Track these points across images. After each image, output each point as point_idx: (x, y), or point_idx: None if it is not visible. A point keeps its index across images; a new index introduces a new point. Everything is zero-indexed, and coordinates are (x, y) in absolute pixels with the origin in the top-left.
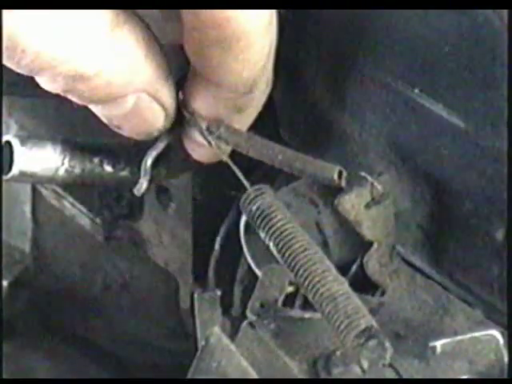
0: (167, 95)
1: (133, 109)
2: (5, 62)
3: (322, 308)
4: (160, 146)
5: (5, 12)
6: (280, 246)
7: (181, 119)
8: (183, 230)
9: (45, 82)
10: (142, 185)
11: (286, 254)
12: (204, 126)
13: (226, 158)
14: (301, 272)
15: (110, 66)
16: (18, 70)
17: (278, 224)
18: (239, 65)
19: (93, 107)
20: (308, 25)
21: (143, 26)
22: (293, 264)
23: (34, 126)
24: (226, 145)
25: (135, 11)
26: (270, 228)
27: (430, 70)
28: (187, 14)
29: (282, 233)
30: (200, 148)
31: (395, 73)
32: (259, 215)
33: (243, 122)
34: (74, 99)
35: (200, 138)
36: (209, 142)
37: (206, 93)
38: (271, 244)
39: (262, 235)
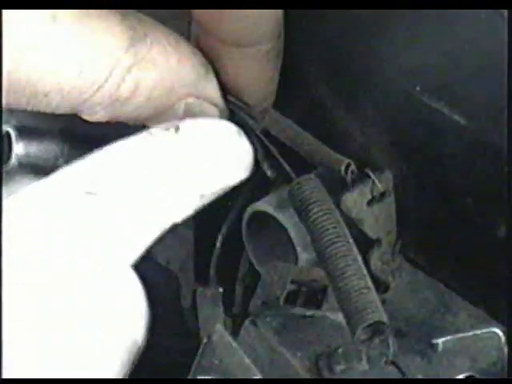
0: (214, 91)
1: (186, 114)
2: (31, 108)
3: (339, 302)
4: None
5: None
6: (313, 239)
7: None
8: (184, 227)
9: (87, 116)
10: None
11: (317, 248)
12: (251, 118)
13: (273, 150)
14: (326, 265)
15: (143, 82)
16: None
17: (313, 217)
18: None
19: (148, 123)
20: (310, 24)
21: (167, 31)
22: (320, 257)
23: (33, 118)
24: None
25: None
26: (306, 221)
27: (431, 67)
28: None
29: (315, 226)
30: None
31: (396, 70)
32: (299, 207)
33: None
34: (127, 121)
35: None
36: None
37: (249, 59)
38: (308, 235)
39: (303, 224)
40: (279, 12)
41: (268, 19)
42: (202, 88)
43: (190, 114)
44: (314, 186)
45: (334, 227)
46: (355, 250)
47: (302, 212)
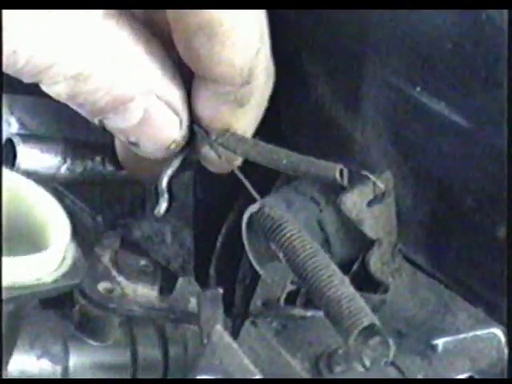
0: (177, 97)
1: (145, 115)
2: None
3: (327, 310)
4: (175, 164)
5: None
6: (289, 255)
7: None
8: (185, 228)
9: (48, 87)
10: (162, 206)
11: (295, 263)
12: (213, 136)
13: (236, 170)
14: (308, 278)
15: (108, 61)
16: (21, 78)
17: (288, 234)
18: (228, 51)
19: (108, 121)
20: (310, 24)
21: (137, 23)
22: (301, 271)
23: (35, 124)
24: (233, 154)
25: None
26: (279, 239)
27: (431, 68)
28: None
29: (290, 243)
30: (210, 163)
31: (397, 71)
32: (270, 227)
33: (248, 117)
34: (85, 111)
35: (209, 154)
36: (219, 156)
37: (206, 92)
38: (281, 255)
39: (273, 246)
40: (248, 58)
41: (233, 63)
42: (166, 89)
43: (150, 114)
44: (282, 208)
45: (311, 242)
46: (333, 263)
47: (275, 230)
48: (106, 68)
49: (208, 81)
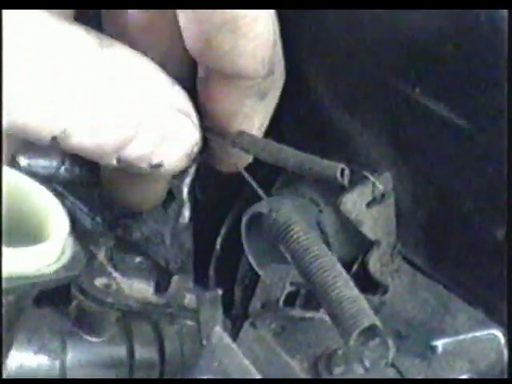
0: (185, 102)
1: (159, 127)
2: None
3: (329, 311)
4: (191, 171)
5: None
6: (295, 256)
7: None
8: (184, 229)
9: (69, 144)
10: (185, 215)
11: (301, 264)
12: (228, 139)
13: (242, 171)
14: (313, 279)
15: (122, 90)
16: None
17: (295, 236)
18: (251, 43)
19: (128, 153)
20: (309, 24)
21: (128, 47)
22: (306, 272)
23: None
24: (246, 154)
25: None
26: (287, 241)
27: (431, 68)
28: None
29: (297, 244)
30: (221, 164)
31: (396, 72)
32: (278, 228)
33: (266, 110)
34: (105, 151)
35: (222, 156)
36: (232, 157)
37: (228, 88)
38: (288, 255)
39: (281, 247)
40: (268, 50)
41: (256, 55)
42: (172, 98)
43: (166, 126)
44: (287, 208)
45: (318, 243)
46: (339, 265)
47: (282, 232)
48: (120, 97)
49: (229, 76)
